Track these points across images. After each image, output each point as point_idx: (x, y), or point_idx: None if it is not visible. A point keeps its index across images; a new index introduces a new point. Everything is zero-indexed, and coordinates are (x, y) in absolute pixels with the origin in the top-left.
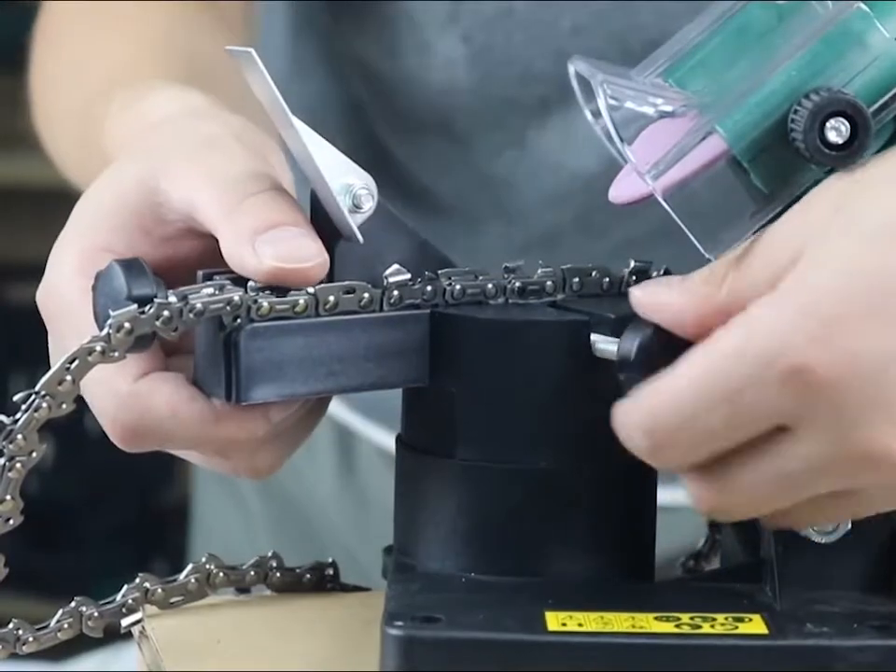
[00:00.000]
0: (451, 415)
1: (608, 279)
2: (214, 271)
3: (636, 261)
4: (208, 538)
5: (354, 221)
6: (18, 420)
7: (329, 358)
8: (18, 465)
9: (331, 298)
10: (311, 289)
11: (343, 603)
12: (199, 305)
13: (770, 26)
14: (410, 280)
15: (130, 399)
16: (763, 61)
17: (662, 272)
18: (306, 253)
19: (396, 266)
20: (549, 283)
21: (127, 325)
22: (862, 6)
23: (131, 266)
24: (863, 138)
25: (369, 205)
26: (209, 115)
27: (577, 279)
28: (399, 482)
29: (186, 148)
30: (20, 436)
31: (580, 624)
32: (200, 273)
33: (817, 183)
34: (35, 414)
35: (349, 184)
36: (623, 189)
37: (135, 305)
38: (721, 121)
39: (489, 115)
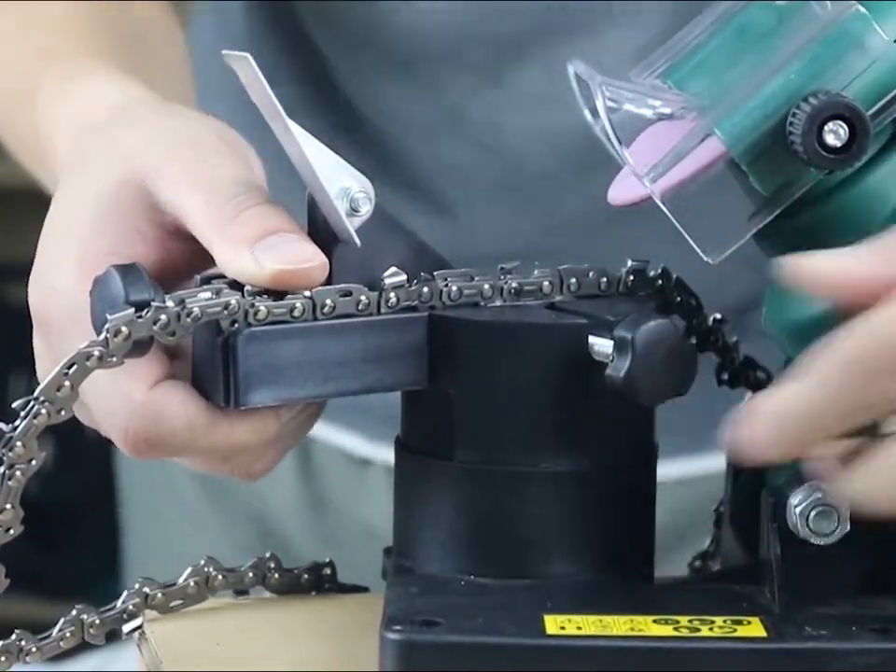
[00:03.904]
0: (449, 418)
1: (605, 279)
2: (211, 275)
3: (633, 261)
4: (145, 545)
5: (351, 225)
6: (17, 427)
7: (326, 362)
8: (17, 473)
9: (329, 301)
10: (308, 293)
11: (341, 605)
12: (196, 310)
13: (769, 27)
14: (406, 282)
15: (144, 407)
16: (763, 63)
17: (659, 270)
18: (306, 255)
19: (394, 268)
20: (546, 283)
21: (124, 329)
22: (860, 8)
23: (128, 271)
24: (862, 141)
25: (366, 209)
26: (181, 112)
27: (574, 280)
28: (397, 484)
29: (170, 149)
30: (19, 443)
31: (578, 628)
32: (197, 276)
33: (817, 185)
34: (35, 421)
35: (346, 187)
36: (622, 191)
37: (132, 309)
38: (720, 124)
39: (459, 55)
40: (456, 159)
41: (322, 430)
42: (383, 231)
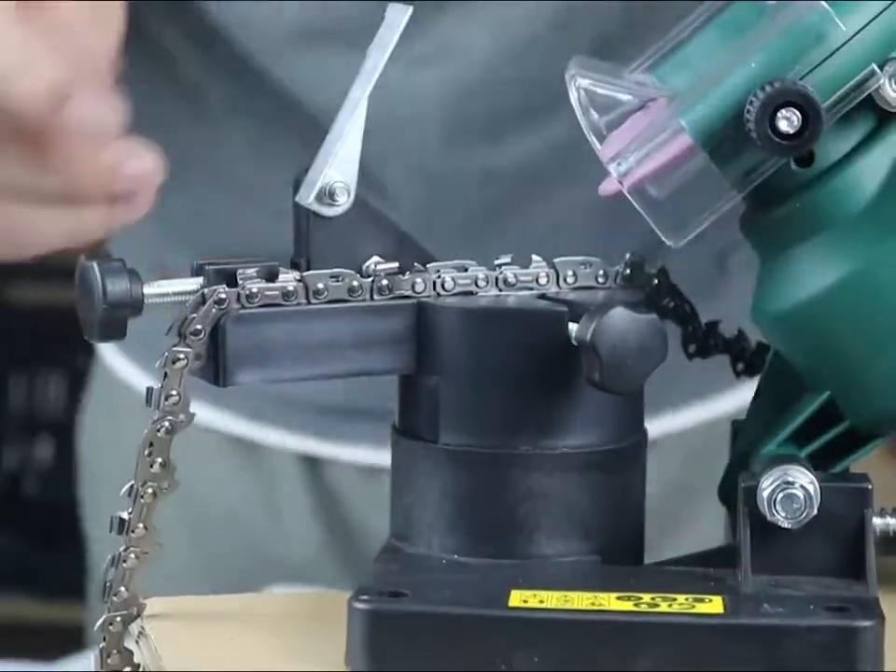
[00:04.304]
0: (434, 402)
1: (602, 271)
2: (205, 262)
3: (631, 254)
4: None
5: (327, 212)
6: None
7: (315, 345)
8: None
9: (320, 285)
10: (299, 276)
11: (344, 600)
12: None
13: (750, 23)
14: (398, 270)
15: None
16: (733, 55)
17: (658, 269)
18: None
19: (376, 258)
20: (540, 275)
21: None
22: (823, 2)
23: (108, 268)
24: (814, 128)
25: (343, 199)
26: None
27: (570, 271)
28: (392, 468)
29: None
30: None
31: (541, 602)
32: (194, 263)
33: (799, 176)
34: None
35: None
36: (611, 182)
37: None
38: (684, 113)
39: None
40: None
41: (331, 448)
42: (365, 221)
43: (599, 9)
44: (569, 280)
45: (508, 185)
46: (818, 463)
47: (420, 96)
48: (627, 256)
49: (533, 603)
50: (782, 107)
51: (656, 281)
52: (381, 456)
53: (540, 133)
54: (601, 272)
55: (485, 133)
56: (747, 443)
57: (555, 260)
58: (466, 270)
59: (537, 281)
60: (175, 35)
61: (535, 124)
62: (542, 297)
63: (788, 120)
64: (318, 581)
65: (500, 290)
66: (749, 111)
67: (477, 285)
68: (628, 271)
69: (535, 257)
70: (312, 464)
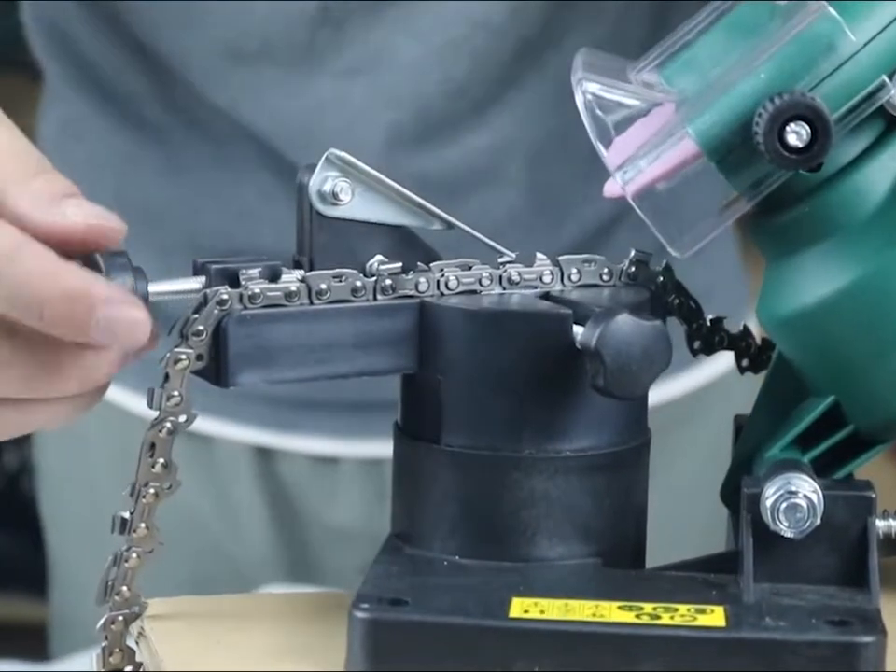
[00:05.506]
0: (437, 402)
1: (606, 269)
2: (206, 260)
3: (636, 251)
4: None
5: (333, 213)
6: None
7: (317, 345)
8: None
9: (323, 285)
10: (301, 276)
11: (345, 601)
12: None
13: (758, 25)
14: (401, 269)
15: None
16: (742, 61)
17: (663, 265)
18: (106, 213)
19: (379, 256)
20: (544, 273)
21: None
22: (831, 10)
23: (113, 264)
24: (823, 142)
25: (347, 198)
26: None
27: (574, 269)
28: (394, 467)
29: None
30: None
31: (542, 611)
32: (196, 261)
33: (807, 181)
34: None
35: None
36: (614, 184)
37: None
38: (692, 121)
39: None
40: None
41: (282, 440)
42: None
43: (523, 12)
44: (573, 278)
45: (444, 190)
46: (820, 468)
47: (350, 106)
48: (632, 253)
49: (534, 613)
50: (791, 121)
51: (661, 278)
52: (334, 447)
53: (469, 137)
54: (605, 269)
55: (417, 140)
56: (750, 444)
57: (559, 258)
58: (469, 268)
59: (541, 279)
60: (131, 75)
61: (464, 129)
62: (546, 295)
63: (797, 134)
64: (272, 578)
65: (504, 289)
66: (757, 123)
67: (481, 283)
68: (633, 268)
69: (539, 255)
70: (264, 456)
